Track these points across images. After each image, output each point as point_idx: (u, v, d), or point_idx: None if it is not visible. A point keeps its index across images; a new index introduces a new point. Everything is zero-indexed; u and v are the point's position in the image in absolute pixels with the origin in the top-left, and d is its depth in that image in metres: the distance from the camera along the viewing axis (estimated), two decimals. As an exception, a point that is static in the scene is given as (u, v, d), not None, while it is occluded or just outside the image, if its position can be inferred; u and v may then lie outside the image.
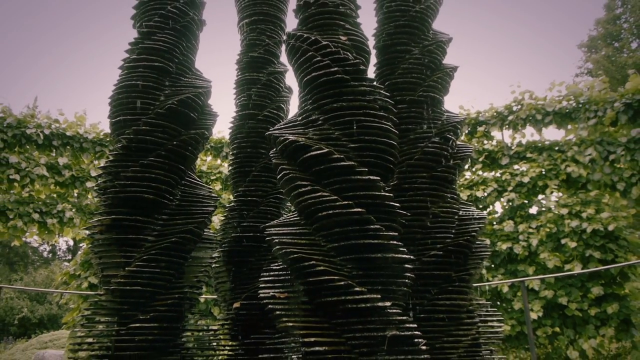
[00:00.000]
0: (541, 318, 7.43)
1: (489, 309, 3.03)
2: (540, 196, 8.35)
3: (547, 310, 7.46)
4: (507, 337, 7.62)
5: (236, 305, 3.17)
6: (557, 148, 8.38)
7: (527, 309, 5.12)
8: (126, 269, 2.53)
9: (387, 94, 2.84)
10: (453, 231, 3.00)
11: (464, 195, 8.48)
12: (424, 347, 2.30)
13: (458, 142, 3.17)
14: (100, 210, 2.70)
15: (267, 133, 2.72)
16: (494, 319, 2.99)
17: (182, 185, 2.90)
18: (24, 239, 9.21)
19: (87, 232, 8.74)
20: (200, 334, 2.86)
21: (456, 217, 3.03)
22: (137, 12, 3.02)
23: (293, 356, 2.37)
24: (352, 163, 2.45)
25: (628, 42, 17.53)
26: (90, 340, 2.52)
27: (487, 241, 8.05)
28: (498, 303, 7.97)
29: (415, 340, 2.28)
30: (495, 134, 8.85)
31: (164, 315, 2.52)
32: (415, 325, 2.32)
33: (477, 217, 3.07)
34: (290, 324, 2.26)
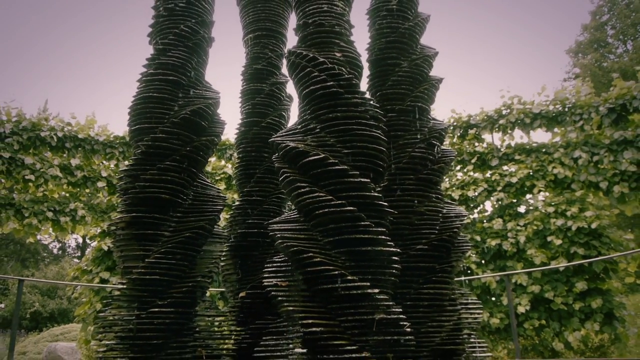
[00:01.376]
0: (528, 311, 7.66)
1: (470, 298, 3.27)
2: (528, 196, 8.59)
3: (534, 304, 7.69)
4: (495, 329, 7.86)
5: (242, 294, 3.41)
6: (544, 150, 8.62)
7: (510, 302, 5.36)
8: (145, 260, 2.75)
9: (377, 104, 3.07)
10: (437, 227, 3.22)
11: (455, 194, 8.72)
12: (408, 329, 2.54)
13: (442, 147, 3.41)
14: (122, 208, 2.94)
15: (270, 140, 2.95)
16: (474, 306, 3.23)
17: (194, 186, 3.13)
18: (37, 236, 9.46)
19: (99, 229, 8.95)
20: (211, 319, 3.10)
21: (440, 215, 3.26)
22: (153, 30, 3.25)
23: (293, 337, 2.60)
24: (346, 167, 2.67)
25: (614, 47, 17.76)
26: (114, 323, 2.76)
27: (478, 238, 8.29)
28: (487, 297, 8.21)
29: (401, 323, 2.52)
30: (486, 136, 9.09)
31: (179, 302, 2.74)
32: (401, 310, 2.56)
33: (459, 214, 3.31)
34: (291, 309, 2.49)
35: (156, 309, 2.67)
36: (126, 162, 9.53)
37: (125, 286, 2.79)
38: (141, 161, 2.92)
